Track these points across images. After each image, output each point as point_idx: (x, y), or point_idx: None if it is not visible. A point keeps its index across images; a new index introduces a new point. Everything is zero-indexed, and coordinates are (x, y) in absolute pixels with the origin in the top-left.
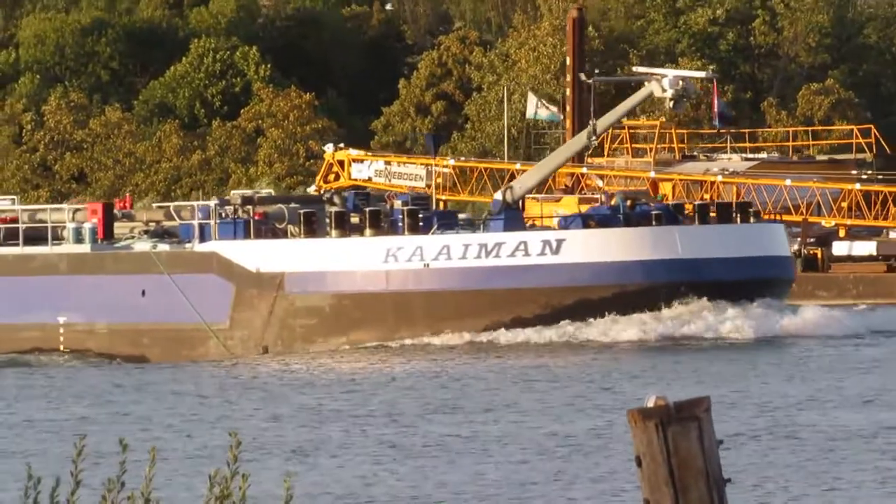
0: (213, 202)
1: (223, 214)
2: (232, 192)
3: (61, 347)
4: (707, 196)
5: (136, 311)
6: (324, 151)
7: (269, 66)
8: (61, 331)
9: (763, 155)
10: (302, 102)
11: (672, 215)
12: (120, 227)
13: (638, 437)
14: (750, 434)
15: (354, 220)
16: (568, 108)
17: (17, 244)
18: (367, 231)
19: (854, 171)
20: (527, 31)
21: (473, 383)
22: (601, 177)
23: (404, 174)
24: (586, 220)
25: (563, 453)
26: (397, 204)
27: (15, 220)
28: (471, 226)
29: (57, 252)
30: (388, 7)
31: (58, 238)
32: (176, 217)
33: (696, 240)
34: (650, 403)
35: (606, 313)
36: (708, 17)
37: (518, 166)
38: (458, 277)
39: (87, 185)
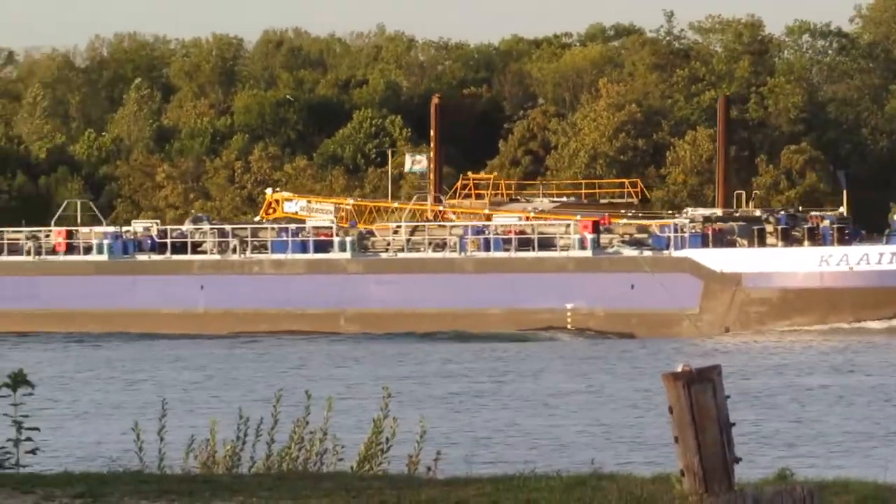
0: (685, 220)
1: (690, 229)
2: (689, 211)
3: (568, 326)
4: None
5: (627, 300)
6: (264, 193)
7: (409, 130)
8: (568, 314)
9: (564, 198)
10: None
11: None
12: (602, 238)
13: (670, 393)
14: None
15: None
16: (432, 165)
17: (528, 250)
18: (806, 242)
19: (623, 211)
20: (589, 107)
21: None
22: (454, 212)
23: (319, 209)
24: None
25: None
26: (825, 223)
27: (522, 232)
28: (873, 240)
29: (565, 256)
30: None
31: (553, 245)
32: (657, 230)
33: None
34: (679, 369)
35: None
36: (713, 97)
37: (396, 205)
38: (876, 278)
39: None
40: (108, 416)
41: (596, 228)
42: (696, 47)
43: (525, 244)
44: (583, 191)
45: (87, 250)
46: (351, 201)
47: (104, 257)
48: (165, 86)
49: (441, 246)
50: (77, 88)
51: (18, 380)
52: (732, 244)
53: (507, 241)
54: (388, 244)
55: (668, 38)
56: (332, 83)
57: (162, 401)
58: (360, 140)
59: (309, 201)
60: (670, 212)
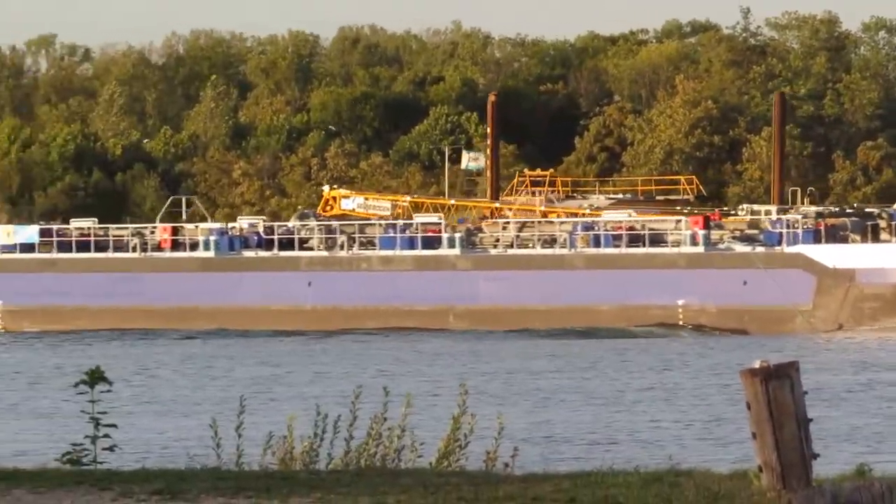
0: (798, 215)
1: (803, 225)
2: (801, 208)
3: (680, 322)
4: None
5: (738, 296)
6: (323, 191)
7: (484, 126)
8: (680, 311)
9: (619, 195)
10: (507, 152)
11: None
12: (713, 234)
13: (748, 389)
14: None
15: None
16: (488, 162)
17: (638, 246)
18: None
19: (678, 207)
20: (665, 103)
21: None
22: (509, 209)
23: (376, 206)
24: None
25: None
26: None
27: (632, 228)
28: None
29: (676, 252)
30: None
31: (663, 242)
32: (769, 225)
33: None
34: (756, 365)
35: None
36: (790, 93)
37: (453, 202)
38: None
39: None
40: (188, 412)
41: (707, 224)
42: (773, 44)
43: (635, 240)
44: (639, 188)
45: (193, 247)
46: (408, 198)
47: (210, 254)
48: (242, 83)
49: (550, 242)
50: (153, 85)
51: (96, 376)
52: (845, 240)
53: (617, 238)
54: (497, 240)
55: (744, 35)
56: (408, 80)
57: (240, 397)
58: (437, 137)
59: (366, 198)
60: (725, 209)
